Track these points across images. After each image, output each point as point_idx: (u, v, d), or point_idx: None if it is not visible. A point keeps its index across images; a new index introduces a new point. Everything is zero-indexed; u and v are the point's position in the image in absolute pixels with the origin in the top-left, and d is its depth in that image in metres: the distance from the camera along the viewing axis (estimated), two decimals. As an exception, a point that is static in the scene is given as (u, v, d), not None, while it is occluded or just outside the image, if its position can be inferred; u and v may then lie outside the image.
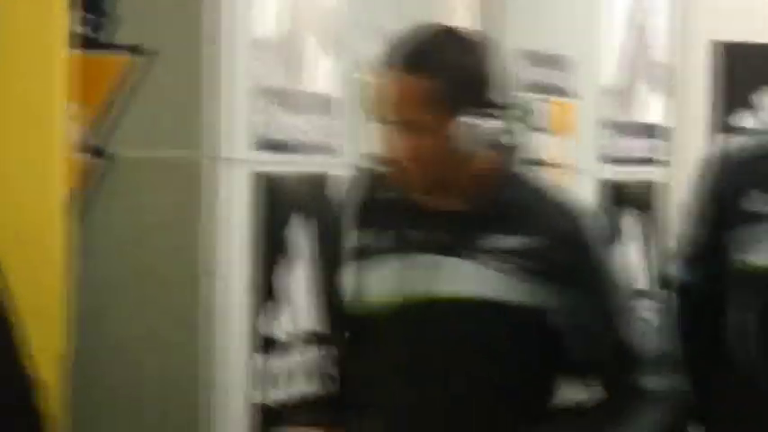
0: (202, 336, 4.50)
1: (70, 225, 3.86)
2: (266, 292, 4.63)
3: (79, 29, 4.13)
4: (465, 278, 3.86)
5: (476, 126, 3.74)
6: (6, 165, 3.61)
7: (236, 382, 4.60)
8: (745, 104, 7.20)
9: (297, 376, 4.77)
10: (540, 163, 5.84)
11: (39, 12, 3.62)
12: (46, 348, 3.69)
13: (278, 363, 4.75)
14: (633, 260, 6.15)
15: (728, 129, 7.16)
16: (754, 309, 4.39)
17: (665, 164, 6.86)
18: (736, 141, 4.77)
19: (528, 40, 5.82)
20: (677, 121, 6.92)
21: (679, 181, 6.82)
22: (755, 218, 4.39)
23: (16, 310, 3.19)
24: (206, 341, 4.49)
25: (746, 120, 7.20)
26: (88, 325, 4.13)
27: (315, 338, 4.64)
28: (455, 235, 3.87)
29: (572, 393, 3.98)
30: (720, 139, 7.09)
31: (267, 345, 4.65)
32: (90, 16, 4.24)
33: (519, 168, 3.94)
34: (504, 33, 5.63)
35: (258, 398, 4.70)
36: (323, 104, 4.71)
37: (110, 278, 4.48)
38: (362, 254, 3.87)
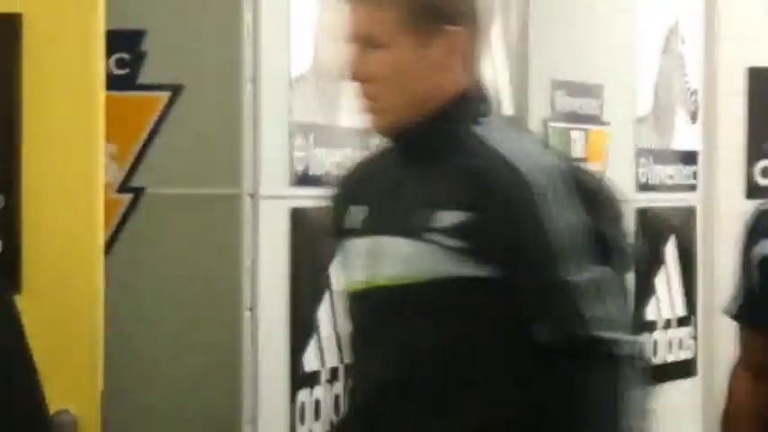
0: (245, 372, 4.48)
1: (109, 263, 3.84)
2: (308, 328, 4.61)
3: (116, 70, 4.10)
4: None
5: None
6: (46, 204, 3.59)
7: (278, 418, 4.56)
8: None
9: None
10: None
11: (76, 53, 3.61)
12: (83, 385, 3.71)
13: (320, 397, 4.72)
14: (673, 286, 6.06)
15: (765, 155, 7.08)
16: None
17: (703, 190, 6.73)
18: None
19: (563, 71, 5.78)
20: (714, 148, 6.83)
21: (717, 207, 6.81)
22: None
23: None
24: (249, 377, 4.47)
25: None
26: (126, 364, 4.09)
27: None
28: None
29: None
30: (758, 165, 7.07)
31: (309, 380, 4.57)
32: (127, 56, 4.22)
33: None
34: (539, 63, 5.58)
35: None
36: (359, 139, 4.68)
37: (150, 315, 4.46)
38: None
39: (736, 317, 4.85)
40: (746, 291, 4.75)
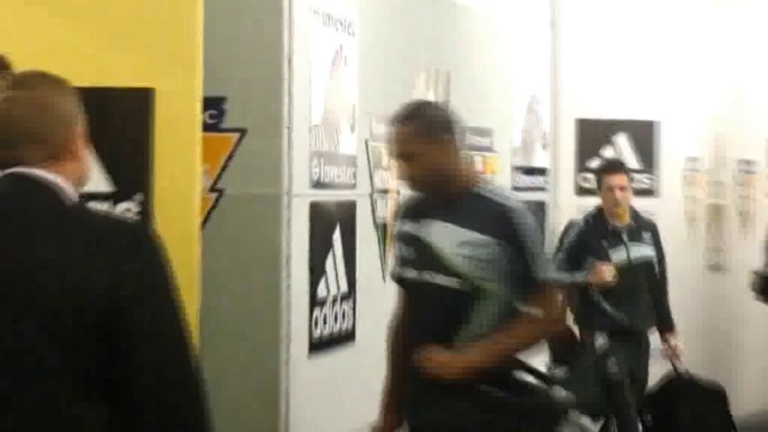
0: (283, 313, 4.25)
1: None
2: (318, 278, 4.44)
3: (209, 120, 4.08)
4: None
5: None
6: (167, 199, 3.56)
7: (303, 327, 4.33)
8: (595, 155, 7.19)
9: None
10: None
11: (186, 112, 3.59)
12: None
13: (326, 312, 4.52)
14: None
15: (585, 170, 7.14)
16: None
17: (550, 191, 6.78)
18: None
19: (469, 120, 5.83)
20: (557, 165, 6.89)
21: (558, 202, 6.88)
22: None
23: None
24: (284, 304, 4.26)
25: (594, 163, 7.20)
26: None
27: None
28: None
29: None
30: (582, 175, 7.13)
31: (320, 302, 4.53)
32: (214, 112, 4.22)
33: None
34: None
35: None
36: (349, 160, 4.69)
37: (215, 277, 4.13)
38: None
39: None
40: None
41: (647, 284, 6.28)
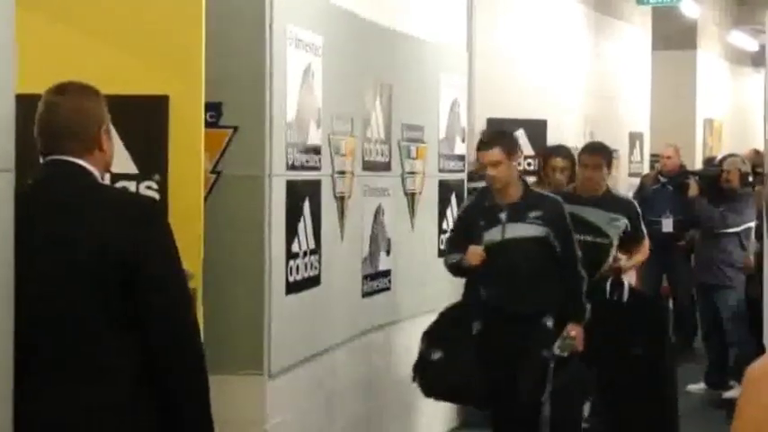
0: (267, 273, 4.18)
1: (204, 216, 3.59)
2: (292, 237, 4.37)
3: (209, 119, 3.95)
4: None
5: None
6: (180, 180, 3.56)
7: (277, 288, 4.25)
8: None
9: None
10: (413, 173, 5.85)
11: (192, 113, 3.59)
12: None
13: (299, 264, 4.49)
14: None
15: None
16: None
17: (466, 172, 6.77)
18: None
19: (407, 120, 5.82)
20: (470, 153, 6.90)
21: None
22: None
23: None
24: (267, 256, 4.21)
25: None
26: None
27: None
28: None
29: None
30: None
31: (294, 256, 4.50)
32: (213, 113, 4.19)
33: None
34: (397, 117, 5.60)
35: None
36: (316, 149, 4.69)
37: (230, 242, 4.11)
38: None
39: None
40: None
41: (529, 265, 4.63)
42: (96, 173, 2.54)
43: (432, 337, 4.62)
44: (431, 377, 4.58)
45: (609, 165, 5.49)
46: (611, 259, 5.26)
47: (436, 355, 4.49)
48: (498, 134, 4.98)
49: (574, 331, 4.65)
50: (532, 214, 4.68)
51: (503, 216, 4.69)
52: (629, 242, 5.42)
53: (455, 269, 4.81)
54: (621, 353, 5.08)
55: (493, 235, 4.70)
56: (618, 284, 5.24)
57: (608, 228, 5.30)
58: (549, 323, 4.63)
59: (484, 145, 4.76)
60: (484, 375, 4.47)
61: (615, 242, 5.34)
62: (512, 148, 4.75)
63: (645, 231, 5.59)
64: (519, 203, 4.72)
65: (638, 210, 5.51)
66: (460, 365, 4.44)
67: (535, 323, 4.59)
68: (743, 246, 6.98)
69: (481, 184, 5.08)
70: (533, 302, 4.62)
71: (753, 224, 6.89)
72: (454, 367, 4.42)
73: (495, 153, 4.67)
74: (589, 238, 5.16)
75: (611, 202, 5.39)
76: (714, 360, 7.32)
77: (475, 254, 4.66)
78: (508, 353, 4.53)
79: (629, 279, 5.58)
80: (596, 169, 5.37)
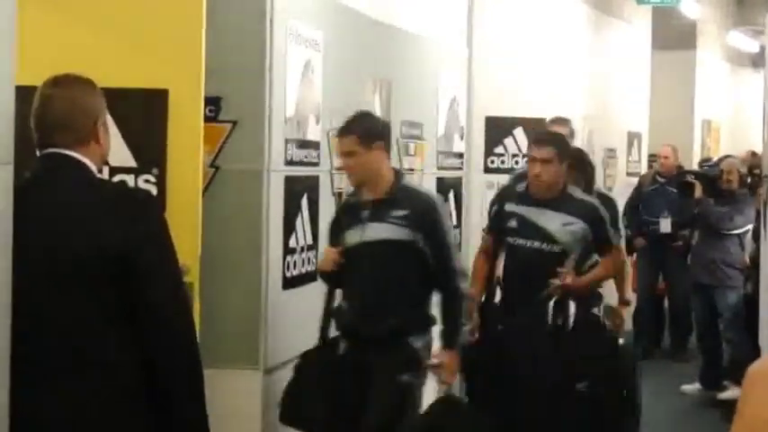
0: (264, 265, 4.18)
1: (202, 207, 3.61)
2: (290, 233, 4.38)
3: (208, 113, 3.94)
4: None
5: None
6: (178, 172, 3.55)
7: (274, 283, 4.24)
8: (499, 145, 7.17)
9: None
10: (411, 169, 5.85)
11: (191, 106, 3.58)
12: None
13: (296, 259, 4.46)
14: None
15: (494, 154, 7.14)
16: None
17: (465, 169, 6.78)
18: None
19: (407, 116, 5.83)
20: (470, 149, 6.92)
21: (470, 178, 6.90)
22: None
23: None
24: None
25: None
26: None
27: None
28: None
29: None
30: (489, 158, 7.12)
31: (291, 251, 4.53)
32: (213, 107, 4.18)
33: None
34: (396, 112, 5.61)
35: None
36: (314, 145, 4.70)
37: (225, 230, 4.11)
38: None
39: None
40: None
41: (386, 275, 3.77)
42: (92, 165, 2.53)
43: (302, 355, 3.90)
44: (282, 401, 3.82)
45: (563, 159, 4.38)
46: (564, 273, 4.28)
47: (290, 377, 3.79)
48: (355, 117, 3.93)
49: (436, 359, 3.75)
50: (396, 213, 3.78)
51: (365, 214, 3.83)
52: (599, 253, 4.49)
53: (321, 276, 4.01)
54: (563, 389, 4.13)
55: (352, 236, 3.84)
56: (562, 306, 4.21)
57: (560, 234, 4.33)
58: (418, 343, 3.73)
59: (339, 131, 3.94)
60: (330, 404, 3.68)
61: (574, 251, 4.36)
62: (372, 136, 3.79)
63: (616, 240, 4.67)
64: (384, 200, 3.81)
65: (604, 215, 4.48)
66: (306, 391, 3.70)
67: (396, 344, 3.69)
68: (742, 246, 7.01)
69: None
70: (391, 320, 3.72)
71: (752, 225, 6.91)
72: (298, 393, 3.69)
73: (349, 141, 3.79)
74: (536, 245, 4.31)
75: (567, 203, 4.38)
76: (709, 360, 7.31)
77: (327, 258, 3.89)
78: (361, 379, 3.67)
79: (610, 300, 4.73)
80: (546, 164, 4.33)
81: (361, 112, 4.03)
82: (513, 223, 4.38)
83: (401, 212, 3.77)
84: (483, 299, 4.44)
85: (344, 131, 3.84)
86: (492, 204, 4.67)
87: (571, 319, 4.17)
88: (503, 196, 4.59)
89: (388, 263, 3.75)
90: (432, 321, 3.80)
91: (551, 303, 4.19)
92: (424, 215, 3.77)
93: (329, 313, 3.87)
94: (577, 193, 4.50)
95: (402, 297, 3.73)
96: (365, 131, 3.80)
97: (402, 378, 3.63)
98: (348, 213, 3.89)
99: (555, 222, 4.35)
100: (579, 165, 4.78)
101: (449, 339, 3.77)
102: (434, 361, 3.74)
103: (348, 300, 3.82)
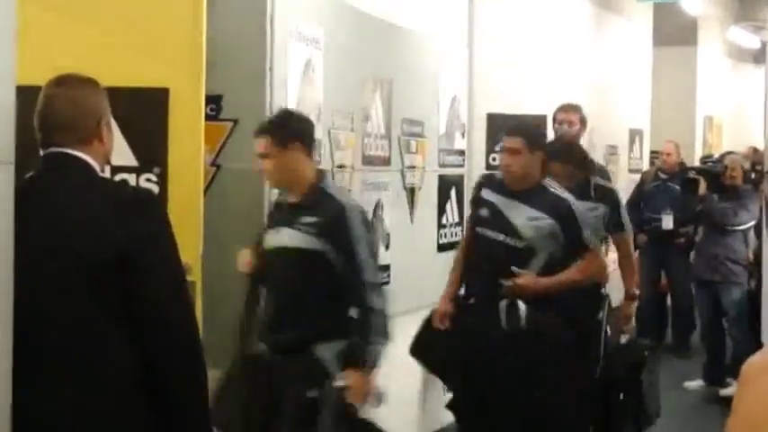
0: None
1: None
2: None
3: (209, 112, 4.02)
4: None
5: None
6: (179, 172, 3.57)
7: None
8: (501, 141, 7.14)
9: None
10: (413, 167, 5.84)
11: (192, 105, 3.59)
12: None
13: None
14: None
15: (494, 151, 7.14)
16: None
17: (467, 166, 6.78)
18: None
19: (408, 115, 5.81)
20: (472, 148, 6.91)
21: (472, 175, 6.89)
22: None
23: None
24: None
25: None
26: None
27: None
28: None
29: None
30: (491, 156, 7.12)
31: None
32: (214, 106, 4.19)
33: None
34: (397, 110, 5.60)
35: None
36: (316, 143, 4.66)
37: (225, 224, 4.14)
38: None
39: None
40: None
41: (290, 285, 3.52)
42: (95, 165, 2.53)
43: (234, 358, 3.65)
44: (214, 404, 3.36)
45: (534, 149, 4.15)
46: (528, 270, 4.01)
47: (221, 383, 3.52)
48: (272, 117, 3.74)
49: (341, 381, 3.38)
50: (305, 220, 3.50)
51: (281, 218, 3.61)
52: (572, 255, 4.09)
53: None
54: (517, 396, 3.95)
55: (268, 240, 3.61)
56: (513, 308, 3.97)
57: (525, 228, 4.08)
58: (326, 354, 3.42)
59: (255, 131, 3.66)
60: (246, 406, 3.43)
61: (543, 249, 4.07)
62: (287, 136, 3.53)
63: (592, 243, 4.16)
64: (298, 204, 3.56)
65: (579, 214, 4.14)
66: (225, 404, 3.42)
67: (299, 354, 3.41)
68: (746, 242, 7.00)
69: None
70: (290, 334, 3.44)
71: (756, 221, 6.90)
72: (221, 404, 3.38)
73: (263, 142, 3.56)
74: (501, 238, 4.10)
75: (538, 197, 4.12)
76: (712, 357, 7.30)
77: (241, 261, 3.63)
78: (269, 392, 3.43)
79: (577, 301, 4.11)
80: (514, 155, 4.14)
81: (280, 111, 3.76)
82: (484, 212, 4.16)
83: (310, 219, 3.48)
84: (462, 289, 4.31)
85: (258, 132, 3.59)
86: (474, 188, 4.46)
87: (522, 321, 3.95)
88: (483, 181, 4.40)
89: (291, 274, 3.48)
90: (346, 332, 3.46)
91: (502, 304, 3.99)
92: (332, 223, 3.44)
93: (249, 312, 3.59)
94: (553, 187, 4.18)
95: (306, 311, 3.45)
96: (279, 132, 3.54)
97: (308, 394, 3.35)
98: (275, 213, 3.68)
99: (521, 216, 4.10)
100: (571, 157, 4.60)
101: (350, 359, 3.39)
102: (339, 383, 3.37)
103: (264, 303, 3.58)
